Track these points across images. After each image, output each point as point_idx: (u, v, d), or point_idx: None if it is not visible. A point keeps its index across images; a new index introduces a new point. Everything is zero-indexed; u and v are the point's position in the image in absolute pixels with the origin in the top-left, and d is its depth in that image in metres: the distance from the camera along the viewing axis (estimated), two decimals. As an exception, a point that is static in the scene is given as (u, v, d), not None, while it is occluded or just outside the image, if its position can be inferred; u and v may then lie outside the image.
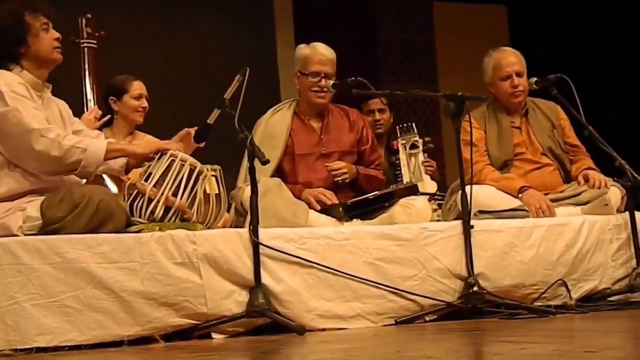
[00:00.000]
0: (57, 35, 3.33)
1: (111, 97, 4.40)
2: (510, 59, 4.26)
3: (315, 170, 4.01)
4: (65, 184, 3.26)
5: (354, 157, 4.12)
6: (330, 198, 3.86)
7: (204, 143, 3.70)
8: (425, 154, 4.73)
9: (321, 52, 4.08)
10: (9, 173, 3.18)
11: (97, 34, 4.66)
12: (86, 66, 4.60)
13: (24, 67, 3.26)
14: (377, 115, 5.02)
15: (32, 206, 3.11)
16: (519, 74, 4.23)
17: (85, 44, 4.53)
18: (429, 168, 4.72)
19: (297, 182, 3.97)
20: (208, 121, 3.52)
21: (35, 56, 3.27)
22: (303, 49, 4.13)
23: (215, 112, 3.52)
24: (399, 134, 4.72)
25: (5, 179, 3.17)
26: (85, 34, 4.52)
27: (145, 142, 3.43)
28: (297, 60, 4.13)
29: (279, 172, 3.99)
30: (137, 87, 4.42)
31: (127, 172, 3.58)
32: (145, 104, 4.42)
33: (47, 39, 3.28)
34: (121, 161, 3.50)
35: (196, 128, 3.64)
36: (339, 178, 3.96)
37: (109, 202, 3.12)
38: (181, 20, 6.86)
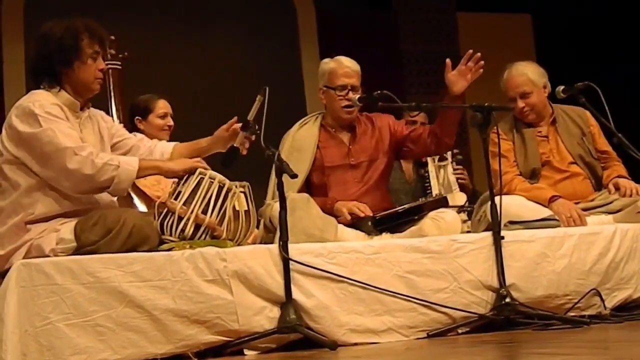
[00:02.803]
0: (103, 66, 3.33)
1: (137, 117, 4.42)
2: (515, 80, 4.26)
3: (345, 182, 4.01)
4: (99, 206, 3.28)
5: (385, 162, 4.10)
6: (364, 211, 3.85)
7: None
8: (454, 162, 4.71)
9: (347, 65, 4.09)
10: (44, 196, 3.19)
11: (120, 55, 4.70)
12: (111, 87, 4.64)
13: (63, 87, 3.27)
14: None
15: (66, 228, 3.13)
16: (523, 95, 4.23)
17: (110, 66, 4.55)
18: (460, 176, 4.70)
19: (326, 196, 3.97)
20: (235, 144, 3.51)
21: (76, 82, 3.28)
22: (328, 63, 4.14)
23: (240, 134, 3.51)
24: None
25: (40, 201, 3.18)
26: (108, 55, 4.53)
27: (180, 160, 3.41)
28: (322, 74, 4.13)
29: (308, 186, 3.99)
30: (162, 106, 4.45)
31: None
32: (170, 122, 4.44)
33: (92, 68, 3.28)
34: (167, 151, 3.52)
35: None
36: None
37: (142, 226, 3.14)
38: (206, 38, 6.91)
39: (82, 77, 3.27)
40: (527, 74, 4.26)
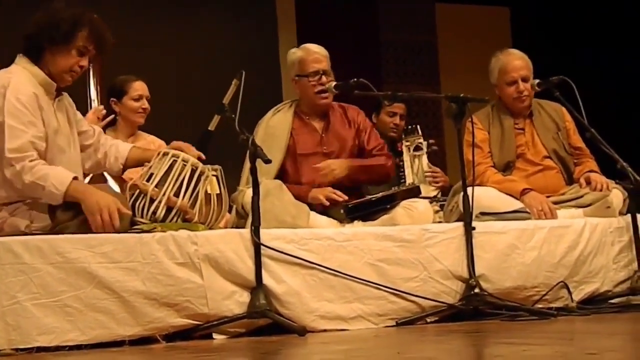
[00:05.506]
0: (85, 64, 3.26)
1: (112, 99, 4.38)
2: (517, 62, 4.25)
3: (317, 169, 4.00)
4: None
5: (356, 152, 4.11)
6: (341, 196, 3.84)
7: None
8: (429, 159, 4.71)
9: (315, 51, 4.08)
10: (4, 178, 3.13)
11: None
12: (90, 67, 4.57)
13: (43, 65, 3.20)
14: (398, 120, 5.03)
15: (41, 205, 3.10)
16: (524, 79, 4.22)
17: None
18: (434, 180, 4.69)
19: (300, 183, 3.96)
20: (209, 128, 3.50)
21: (52, 63, 3.20)
22: (295, 53, 4.12)
23: (215, 118, 3.49)
24: (403, 136, 4.72)
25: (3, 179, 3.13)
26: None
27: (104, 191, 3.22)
28: (292, 64, 4.11)
29: (281, 173, 3.98)
30: (137, 87, 4.39)
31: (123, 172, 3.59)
32: (145, 105, 4.39)
33: (72, 60, 3.21)
34: (117, 167, 3.51)
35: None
36: (329, 177, 3.92)
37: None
38: (184, 21, 6.85)
39: (58, 61, 3.20)
40: (527, 59, 4.27)
